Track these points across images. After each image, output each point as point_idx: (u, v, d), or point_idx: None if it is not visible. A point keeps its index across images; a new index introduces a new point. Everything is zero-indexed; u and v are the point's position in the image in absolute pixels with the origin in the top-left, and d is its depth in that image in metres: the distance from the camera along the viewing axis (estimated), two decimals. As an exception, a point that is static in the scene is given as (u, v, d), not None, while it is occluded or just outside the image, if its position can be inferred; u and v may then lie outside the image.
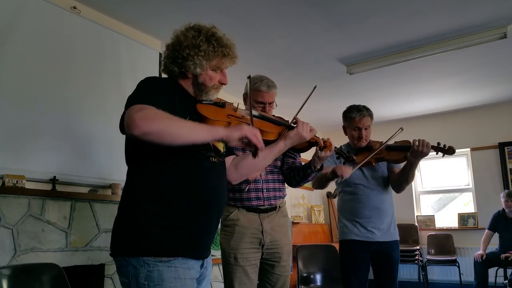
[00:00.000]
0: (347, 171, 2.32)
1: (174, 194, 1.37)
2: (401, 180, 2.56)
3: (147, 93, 1.37)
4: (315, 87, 1.87)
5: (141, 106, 1.27)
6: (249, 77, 1.58)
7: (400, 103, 5.79)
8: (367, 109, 2.66)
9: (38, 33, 2.86)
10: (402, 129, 2.48)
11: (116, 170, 3.09)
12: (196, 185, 1.40)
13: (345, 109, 2.75)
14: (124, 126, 1.36)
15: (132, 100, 1.33)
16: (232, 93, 3.97)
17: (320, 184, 2.55)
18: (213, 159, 1.47)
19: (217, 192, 1.47)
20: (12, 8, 2.74)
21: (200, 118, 1.45)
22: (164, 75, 1.57)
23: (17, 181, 2.53)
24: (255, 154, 1.41)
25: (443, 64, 4.47)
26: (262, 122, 1.72)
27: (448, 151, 2.35)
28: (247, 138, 1.38)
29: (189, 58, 1.44)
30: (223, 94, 1.66)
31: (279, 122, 1.79)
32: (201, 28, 1.49)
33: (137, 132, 1.22)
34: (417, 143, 2.35)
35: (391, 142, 2.55)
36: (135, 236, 1.34)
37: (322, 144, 1.95)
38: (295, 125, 1.79)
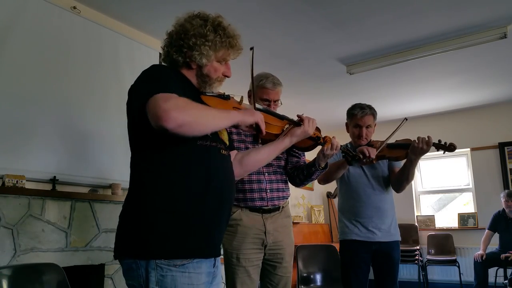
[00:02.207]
0: (373, 151, 2.31)
1: (188, 190, 1.29)
2: (402, 179, 2.55)
3: (164, 81, 1.27)
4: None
5: (167, 95, 1.18)
6: (251, 48, 1.54)
7: (400, 103, 5.79)
8: (370, 108, 2.65)
9: (38, 33, 2.86)
10: (406, 119, 2.47)
11: (116, 170, 3.09)
12: (210, 180, 1.32)
13: (347, 107, 2.75)
14: (131, 119, 1.31)
15: (152, 89, 1.21)
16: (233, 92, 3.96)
17: (333, 172, 2.47)
18: (223, 151, 1.42)
19: (229, 186, 1.42)
20: (12, 8, 2.74)
21: None
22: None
23: (17, 181, 2.53)
24: (257, 137, 1.50)
25: (443, 64, 4.48)
26: (266, 116, 1.72)
27: (449, 148, 2.34)
28: (257, 124, 1.43)
29: (195, 47, 1.38)
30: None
31: (283, 116, 1.80)
32: (207, 17, 1.44)
33: (171, 124, 1.14)
34: (417, 140, 2.36)
35: (392, 141, 2.55)
36: (146, 236, 1.25)
37: (322, 140, 1.96)
38: (301, 122, 1.79)
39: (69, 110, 2.97)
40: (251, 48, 1.54)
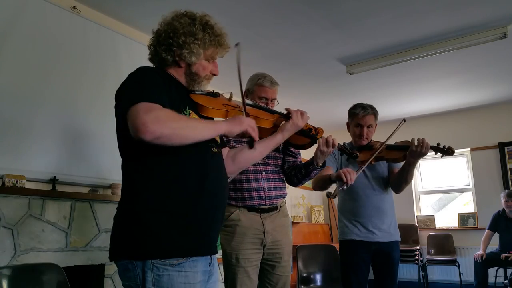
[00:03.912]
0: (353, 177, 2.22)
1: (180, 189, 1.30)
2: (400, 180, 2.55)
3: (147, 88, 1.28)
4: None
5: (148, 106, 1.20)
6: (237, 45, 1.49)
7: (400, 103, 5.79)
8: (372, 108, 2.65)
9: (38, 33, 2.86)
10: (405, 120, 2.50)
11: (116, 170, 3.05)
12: (202, 178, 1.34)
13: (348, 107, 2.75)
14: (118, 123, 1.32)
15: (134, 98, 1.23)
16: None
17: (322, 186, 2.54)
18: (214, 149, 1.43)
19: (222, 183, 1.43)
20: (12, 8, 2.74)
21: (197, 108, 1.43)
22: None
23: (17, 181, 2.53)
24: (251, 144, 1.44)
25: (443, 64, 4.47)
26: (256, 110, 1.73)
27: (447, 151, 2.35)
28: (246, 132, 1.40)
29: (185, 46, 1.39)
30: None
31: (273, 110, 1.81)
32: (194, 15, 1.44)
33: (149, 137, 1.16)
34: (416, 143, 2.36)
35: (392, 142, 2.55)
36: (141, 237, 1.26)
37: (314, 132, 1.95)
38: (289, 115, 1.79)
39: (69, 110, 2.97)
40: (237, 45, 1.49)
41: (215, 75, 1.51)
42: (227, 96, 1.59)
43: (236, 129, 1.37)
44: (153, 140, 1.18)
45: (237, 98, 1.61)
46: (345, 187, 2.23)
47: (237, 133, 1.38)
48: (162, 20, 1.46)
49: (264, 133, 1.78)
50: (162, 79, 1.36)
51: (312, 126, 1.96)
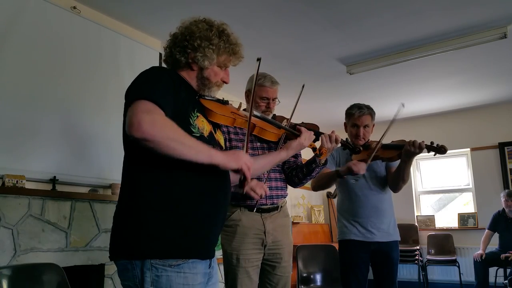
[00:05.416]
0: (363, 167, 2.33)
1: (183, 191, 1.30)
2: (398, 179, 2.56)
3: (154, 87, 1.28)
4: (303, 86, 2.01)
5: (149, 106, 1.20)
6: (258, 59, 1.53)
7: (400, 103, 5.78)
8: (368, 108, 2.66)
9: (38, 33, 2.86)
10: (404, 105, 2.54)
11: (116, 170, 3.06)
12: (205, 181, 1.34)
13: (346, 107, 2.76)
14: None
15: (138, 94, 1.24)
16: (232, 93, 3.96)
17: (326, 183, 2.54)
18: None
19: (225, 188, 1.43)
20: (12, 8, 2.74)
21: (205, 112, 1.44)
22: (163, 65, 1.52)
23: (17, 181, 2.53)
24: (242, 185, 1.39)
25: (443, 64, 4.47)
26: (263, 123, 1.76)
27: (440, 150, 2.34)
28: (242, 170, 1.35)
29: (199, 49, 1.41)
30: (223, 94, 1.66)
31: (280, 126, 1.83)
32: (212, 22, 1.47)
33: (138, 135, 1.16)
34: (409, 143, 2.37)
35: (388, 141, 2.56)
36: (141, 237, 1.25)
37: (318, 152, 1.98)
38: (298, 133, 1.81)
39: (69, 110, 2.97)
40: (258, 59, 1.54)
41: (226, 82, 1.52)
42: (236, 105, 1.61)
43: (231, 164, 1.32)
44: (141, 140, 1.17)
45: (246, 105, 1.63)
46: (357, 179, 2.38)
47: (231, 168, 1.34)
48: (181, 24, 1.48)
49: (270, 143, 1.81)
50: (173, 80, 1.37)
51: (316, 146, 1.99)
